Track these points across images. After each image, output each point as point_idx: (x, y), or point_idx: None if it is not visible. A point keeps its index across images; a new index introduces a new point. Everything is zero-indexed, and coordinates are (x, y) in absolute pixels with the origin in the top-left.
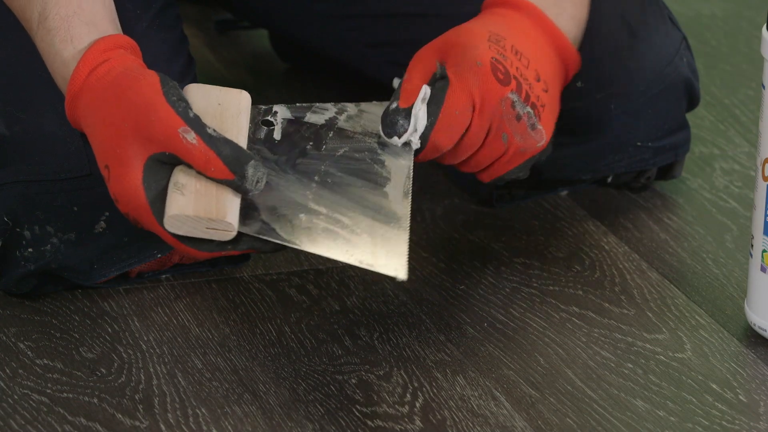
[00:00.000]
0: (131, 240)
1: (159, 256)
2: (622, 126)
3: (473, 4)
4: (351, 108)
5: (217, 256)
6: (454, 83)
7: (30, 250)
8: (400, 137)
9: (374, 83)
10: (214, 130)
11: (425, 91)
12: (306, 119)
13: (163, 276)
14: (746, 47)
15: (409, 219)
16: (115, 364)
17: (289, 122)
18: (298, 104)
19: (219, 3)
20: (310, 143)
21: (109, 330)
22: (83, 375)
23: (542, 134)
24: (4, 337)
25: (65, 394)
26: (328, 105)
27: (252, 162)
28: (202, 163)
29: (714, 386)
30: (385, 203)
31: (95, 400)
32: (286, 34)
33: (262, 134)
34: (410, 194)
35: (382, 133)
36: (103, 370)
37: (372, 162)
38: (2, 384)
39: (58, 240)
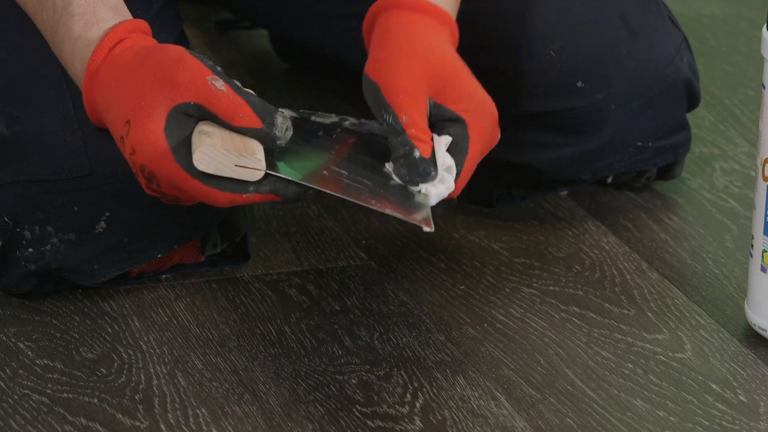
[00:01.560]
0: (131, 240)
1: (159, 256)
2: (622, 126)
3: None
4: (353, 119)
5: (238, 203)
6: (474, 132)
7: (30, 250)
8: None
9: None
10: (240, 84)
11: (447, 142)
12: (312, 119)
13: (163, 276)
14: (746, 47)
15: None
16: (115, 365)
17: (296, 119)
18: (302, 110)
19: (219, 3)
20: (321, 132)
21: (109, 330)
22: (83, 375)
23: None
24: (4, 337)
25: (65, 394)
26: (331, 114)
27: (280, 111)
28: (230, 110)
29: (714, 386)
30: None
31: (95, 401)
32: (286, 34)
33: None
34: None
35: (407, 181)
36: (103, 370)
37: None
38: (2, 384)
39: (59, 240)
